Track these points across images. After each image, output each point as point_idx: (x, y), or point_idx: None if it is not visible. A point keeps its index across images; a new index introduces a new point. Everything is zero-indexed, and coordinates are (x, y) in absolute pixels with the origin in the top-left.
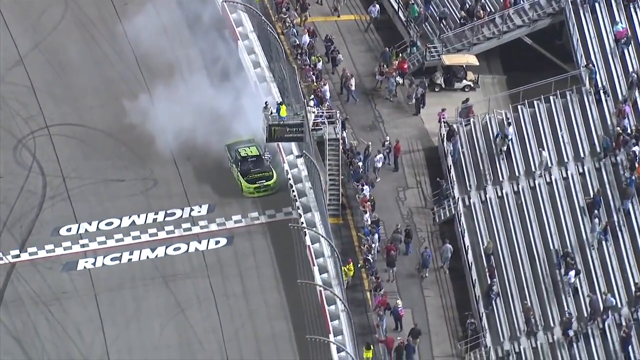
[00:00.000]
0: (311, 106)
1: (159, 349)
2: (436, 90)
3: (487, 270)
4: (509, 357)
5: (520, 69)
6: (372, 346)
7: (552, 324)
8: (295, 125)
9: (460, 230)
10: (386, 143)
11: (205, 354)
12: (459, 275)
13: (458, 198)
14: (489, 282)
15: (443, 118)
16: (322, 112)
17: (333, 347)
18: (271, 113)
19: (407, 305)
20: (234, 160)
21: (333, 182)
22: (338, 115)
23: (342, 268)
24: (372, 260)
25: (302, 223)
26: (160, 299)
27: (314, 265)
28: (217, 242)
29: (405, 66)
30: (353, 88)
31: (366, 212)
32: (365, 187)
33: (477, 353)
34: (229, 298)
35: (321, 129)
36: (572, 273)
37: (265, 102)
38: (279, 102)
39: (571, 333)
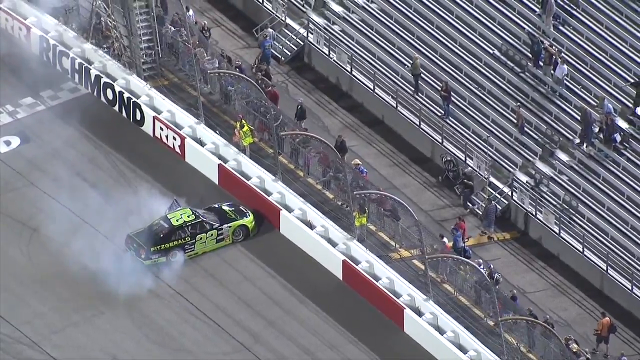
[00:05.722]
0: None
1: (41, 282)
2: None
3: (441, 91)
4: (539, 186)
5: None
6: (367, 209)
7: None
8: None
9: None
10: None
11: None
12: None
13: None
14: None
15: None
16: None
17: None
18: None
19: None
20: (200, 231)
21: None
22: None
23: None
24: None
25: None
26: None
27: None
28: (7, 144)
29: None
30: None
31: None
32: None
33: (479, 197)
34: (76, 192)
35: None
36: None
37: None
38: None
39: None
